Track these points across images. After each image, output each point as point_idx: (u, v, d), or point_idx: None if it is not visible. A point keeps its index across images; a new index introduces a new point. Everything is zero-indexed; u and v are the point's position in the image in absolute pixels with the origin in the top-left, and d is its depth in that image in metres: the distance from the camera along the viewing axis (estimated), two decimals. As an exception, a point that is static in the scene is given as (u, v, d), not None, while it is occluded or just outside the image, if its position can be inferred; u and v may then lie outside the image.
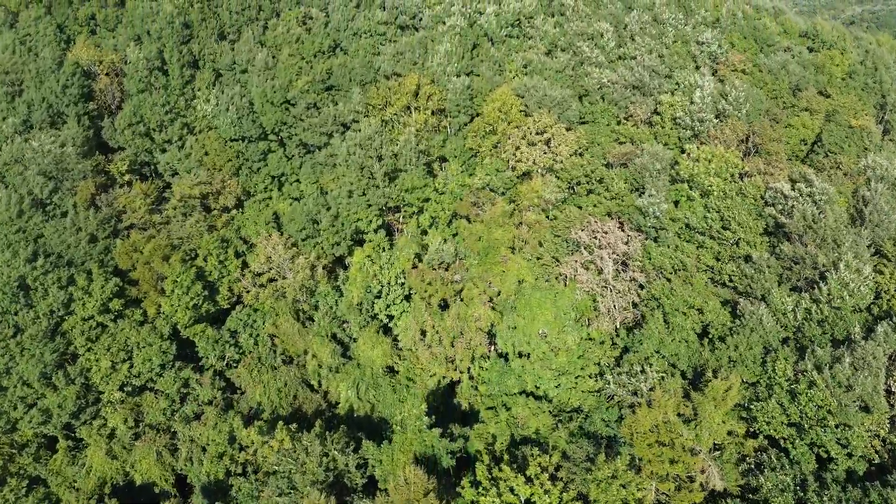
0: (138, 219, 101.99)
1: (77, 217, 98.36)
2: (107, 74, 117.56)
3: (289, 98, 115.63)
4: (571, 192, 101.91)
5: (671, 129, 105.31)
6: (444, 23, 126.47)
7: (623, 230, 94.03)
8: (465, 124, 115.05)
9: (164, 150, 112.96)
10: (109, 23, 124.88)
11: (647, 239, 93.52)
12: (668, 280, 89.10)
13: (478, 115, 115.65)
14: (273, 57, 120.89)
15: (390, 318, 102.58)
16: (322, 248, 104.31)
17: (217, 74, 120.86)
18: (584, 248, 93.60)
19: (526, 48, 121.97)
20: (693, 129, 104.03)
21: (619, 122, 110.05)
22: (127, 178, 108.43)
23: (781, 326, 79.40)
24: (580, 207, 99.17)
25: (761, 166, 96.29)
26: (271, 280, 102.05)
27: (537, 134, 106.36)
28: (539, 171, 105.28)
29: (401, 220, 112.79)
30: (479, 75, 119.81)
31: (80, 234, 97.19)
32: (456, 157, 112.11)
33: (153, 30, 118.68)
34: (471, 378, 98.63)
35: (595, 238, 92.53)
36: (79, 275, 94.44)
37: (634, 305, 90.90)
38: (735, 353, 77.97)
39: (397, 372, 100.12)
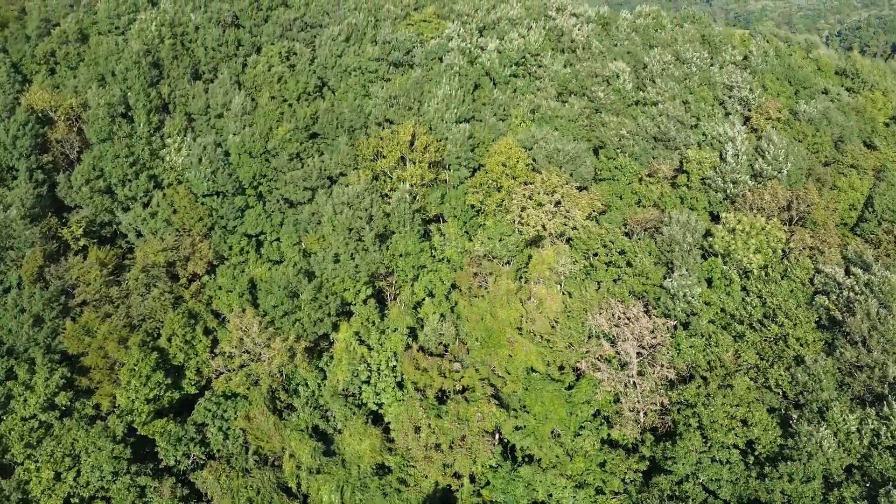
0: (93, 294, 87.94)
1: (21, 296, 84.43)
2: (65, 121, 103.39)
3: (269, 148, 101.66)
4: (588, 264, 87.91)
5: (700, 190, 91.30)
6: (440, 59, 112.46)
7: (649, 315, 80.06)
8: (467, 178, 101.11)
9: (126, 209, 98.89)
10: (71, 61, 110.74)
11: (676, 326, 79.57)
12: (704, 379, 75.16)
13: (481, 166, 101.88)
14: (252, 100, 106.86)
15: (380, 405, 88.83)
16: (302, 326, 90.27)
17: (189, 119, 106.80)
18: (604, 338, 79.66)
19: (533, 90, 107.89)
20: (726, 192, 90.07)
21: (640, 180, 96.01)
22: (83, 242, 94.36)
23: (844, 451, 65.49)
24: (599, 283, 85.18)
25: (808, 240, 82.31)
26: (243, 365, 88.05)
27: (546, 194, 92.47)
28: (550, 236, 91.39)
29: (394, 284, 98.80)
30: (480, 120, 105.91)
31: (23, 315, 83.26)
32: (456, 216, 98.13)
33: (118, 70, 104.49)
34: (472, 481, 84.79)
35: (616, 326, 78.57)
36: (19, 366, 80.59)
37: (663, 408, 76.92)
38: (790, 485, 64.00)
39: (388, 470, 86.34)
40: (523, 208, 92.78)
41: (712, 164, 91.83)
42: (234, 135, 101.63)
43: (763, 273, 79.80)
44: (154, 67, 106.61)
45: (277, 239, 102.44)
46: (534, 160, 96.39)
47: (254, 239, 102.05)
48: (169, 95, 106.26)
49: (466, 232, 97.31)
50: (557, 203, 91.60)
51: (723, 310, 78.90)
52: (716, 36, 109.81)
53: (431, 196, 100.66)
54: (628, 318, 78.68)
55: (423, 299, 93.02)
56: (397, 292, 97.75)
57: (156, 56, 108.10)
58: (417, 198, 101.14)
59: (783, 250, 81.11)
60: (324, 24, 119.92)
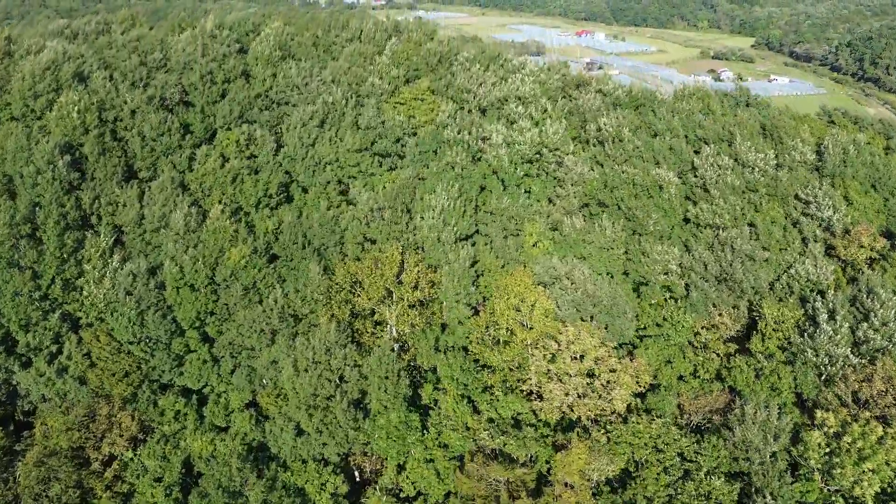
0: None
1: None
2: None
3: (217, 280, 77.46)
4: (633, 471, 63.76)
5: (782, 362, 66.97)
6: (435, 152, 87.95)
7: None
8: (469, 317, 76.90)
9: (27, 364, 74.90)
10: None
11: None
12: None
13: (485, 300, 77.89)
14: (198, 207, 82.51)
15: None
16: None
17: (118, 234, 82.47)
18: None
19: (554, 196, 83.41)
20: (819, 369, 65.79)
21: (695, 334, 71.64)
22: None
23: None
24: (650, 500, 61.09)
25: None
26: None
27: (574, 359, 68.31)
28: (582, 419, 67.40)
29: (372, 460, 74.72)
30: (486, 235, 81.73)
31: None
32: (454, 377, 73.80)
33: (27, 173, 79.98)
34: None
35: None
36: None
37: None
38: None
39: None
40: (543, 373, 68.70)
41: (796, 322, 67.61)
42: (173, 260, 77.31)
43: None
44: (74, 167, 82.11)
45: (225, 391, 78.43)
46: (557, 305, 72.09)
47: (194, 396, 77.90)
48: (92, 205, 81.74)
49: (468, 397, 73.07)
50: (590, 374, 67.36)
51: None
52: (779, 125, 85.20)
53: (423, 343, 76.51)
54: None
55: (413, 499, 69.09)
56: (376, 475, 73.72)
57: (78, 151, 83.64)
58: (406, 346, 77.13)
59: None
60: (293, 102, 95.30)
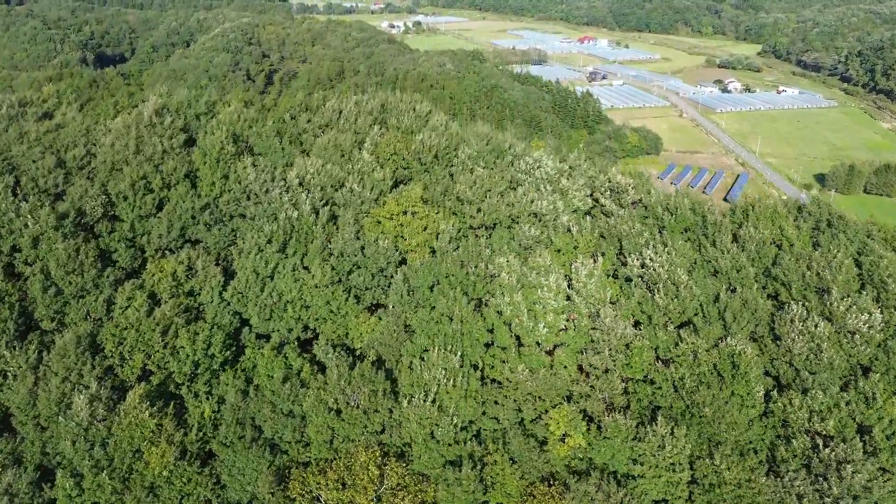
0: None
1: None
2: None
3: (127, 501, 55.41)
4: None
5: None
6: (431, 289, 65.73)
7: None
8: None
9: None
10: None
11: None
12: None
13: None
14: (113, 376, 60.45)
15: None
16: None
17: (3, 416, 60.33)
18: None
19: (588, 366, 61.00)
20: None
21: None
22: None
23: None
24: None
25: None
26: None
27: None
28: None
29: None
30: (495, 419, 59.74)
31: None
32: None
33: None
34: None
35: None
36: None
37: None
38: None
39: None
40: None
41: None
42: (68, 467, 55.25)
43: None
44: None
45: None
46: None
47: None
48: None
49: None
50: None
51: None
52: (878, 265, 62.50)
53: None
54: None
55: None
56: None
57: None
58: None
59: None
60: (249, 216, 72.84)
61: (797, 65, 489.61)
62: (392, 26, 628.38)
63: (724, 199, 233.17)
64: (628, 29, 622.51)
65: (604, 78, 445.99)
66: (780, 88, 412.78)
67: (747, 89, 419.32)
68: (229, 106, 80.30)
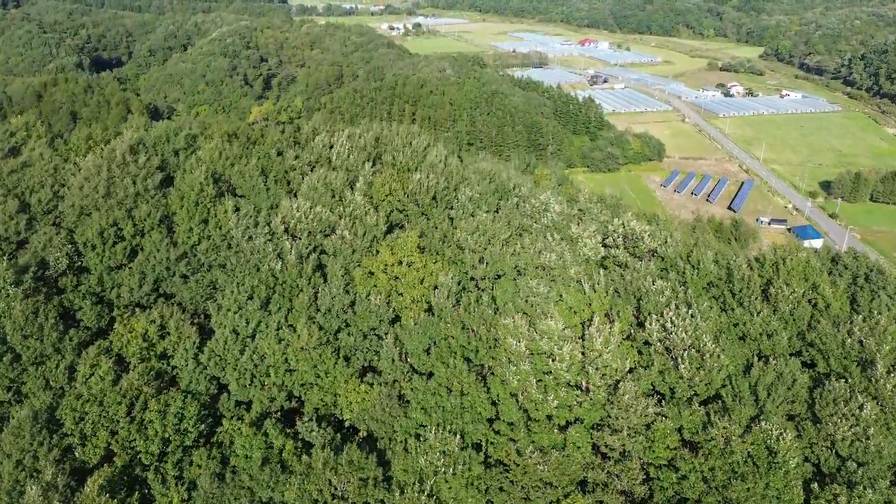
0: None
1: None
2: None
3: None
4: None
5: None
6: (427, 352, 58.75)
7: None
8: None
9: None
10: None
11: None
12: None
13: None
14: (72, 459, 53.52)
15: None
16: None
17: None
18: None
19: (605, 447, 54.00)
20: None
21: None
22: None
23: None
24: None
25: None
26: None
27: None
28: None
29: None
30: None
31: None
32: None
33: None
34: None
35: None
36: None
37: None
38: None
39: None
40: None
41: None
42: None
43: None
44: None
45: None
46: None
47: None
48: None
49: None
50: None
51: None
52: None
53: None
54: None
55: None
56: None
57: None
58: None
59: None
60: (229, 267, 65.79)
61: (800, 68, 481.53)
62: (392, 28, 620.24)
63: (729, 208, 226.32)
64: (629, 31, 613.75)
65: (605, 81, 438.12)
66: (783, 92, 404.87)
67: (750, 93, 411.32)
68: (211, 141, 73.15)
